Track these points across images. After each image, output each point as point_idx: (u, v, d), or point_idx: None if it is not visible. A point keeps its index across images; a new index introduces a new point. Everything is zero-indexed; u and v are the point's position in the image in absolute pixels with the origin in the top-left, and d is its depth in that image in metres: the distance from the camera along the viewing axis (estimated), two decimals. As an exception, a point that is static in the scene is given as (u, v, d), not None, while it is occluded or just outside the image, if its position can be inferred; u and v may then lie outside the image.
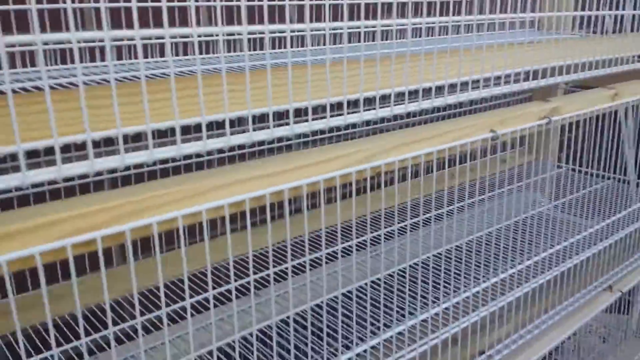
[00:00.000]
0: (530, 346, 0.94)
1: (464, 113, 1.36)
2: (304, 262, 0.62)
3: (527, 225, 1.16)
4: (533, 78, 0.81)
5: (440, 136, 0.70)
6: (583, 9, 1.41)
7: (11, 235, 0.41)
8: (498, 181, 1.27)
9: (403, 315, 0.77)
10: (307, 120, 0.56)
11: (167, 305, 0.54)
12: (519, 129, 0.78)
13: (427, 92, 0.67)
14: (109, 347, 0.50)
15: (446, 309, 0.80)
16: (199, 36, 0.55)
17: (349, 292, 0.73)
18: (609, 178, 1.45)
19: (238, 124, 0.57)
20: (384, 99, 0.63)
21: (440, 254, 0.89)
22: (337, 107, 0.59)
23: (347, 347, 0.72)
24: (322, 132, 1.08)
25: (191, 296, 0.56)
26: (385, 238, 0.69)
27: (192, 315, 0.74)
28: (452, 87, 0.70)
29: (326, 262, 0.93)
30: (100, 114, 0.46)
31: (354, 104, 0.60)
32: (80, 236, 0.43)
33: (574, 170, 1.47)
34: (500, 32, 1.16)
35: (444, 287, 0.88)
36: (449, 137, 0.70)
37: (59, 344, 0.65)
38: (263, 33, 0.58)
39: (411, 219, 1.03)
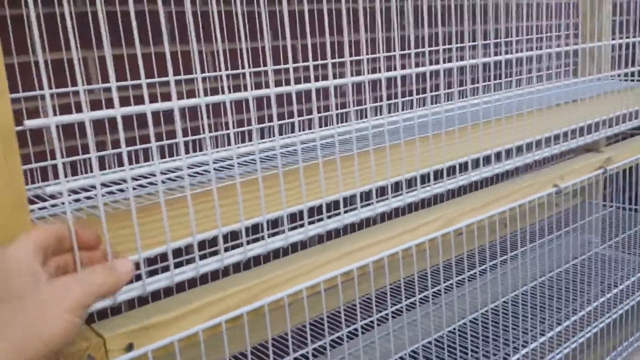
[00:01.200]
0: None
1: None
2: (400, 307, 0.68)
3: (586, 266, 1.20)
4: (589, 130, 0.88)
5: (509, 196, 0.76)
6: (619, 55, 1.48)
7: (180, 318, 0.48)
8: (555, 225, 1.32)
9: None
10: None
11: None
12: (578, 180, 0.85)
13: (492, 157, 0.74)
14: None
15: None
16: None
17: (427, 343, 0.79)
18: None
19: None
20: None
21: (497, 306, 0.94)
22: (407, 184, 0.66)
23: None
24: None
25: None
26: (445, 290, 0.76)
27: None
28: (518, 149, 0.77)
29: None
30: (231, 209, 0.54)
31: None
32: (230, 313, 0.51)
33: (622, 208, 1.51)
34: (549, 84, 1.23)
35: (504, 340, 0.93)
36: (518, 195, 0.77)
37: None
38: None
39: (468, 270, 1.09)
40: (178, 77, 0.84)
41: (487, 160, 0.74)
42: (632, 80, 1.24)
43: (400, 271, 0.66)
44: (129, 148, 0.78)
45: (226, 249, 0.51)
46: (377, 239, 0.62)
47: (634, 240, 1.37)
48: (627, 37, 1.11)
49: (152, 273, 0.50)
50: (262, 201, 0.51)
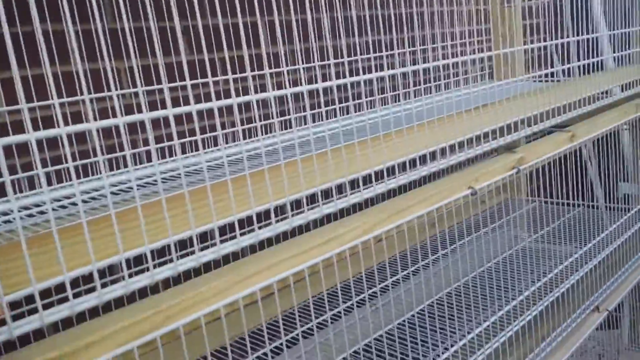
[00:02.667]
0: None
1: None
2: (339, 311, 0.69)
3: (515, 259, 1.25)
4: (502, 133, 0.91)
5: (427, 200, 0.79)
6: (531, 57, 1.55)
7: (86, 347, 0.48)
8: (482, 222, 1.37)
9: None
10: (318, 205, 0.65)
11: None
12: (492, 181, 0.88)
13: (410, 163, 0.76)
14: None
15: (455, 352, 0.87)
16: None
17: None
18: (577, 205, 1.56)
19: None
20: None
21: (441, 298, 0.96)
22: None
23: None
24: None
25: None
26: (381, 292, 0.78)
27: None
28: (442, 151, 0.79)
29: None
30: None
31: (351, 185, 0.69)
32: (142, 338, 0.50)
33: (545, 202, 1.58)
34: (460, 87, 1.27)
35: (442, 331, 0.96)
36: (434, 199, 0.79)
37: None
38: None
39: (403, 270, 1.11)
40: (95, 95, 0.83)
41: (403, 166, 0.76)
42: (546, 81, 1.30)
43: (322, 283, 0.67)
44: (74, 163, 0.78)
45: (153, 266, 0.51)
46: (297, 251, 0.63)
47: (559, 232, 1.44)
48: (539, 40, 1.16)
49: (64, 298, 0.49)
50: (191, 215, 0.51)
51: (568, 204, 1.54)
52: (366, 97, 1.22)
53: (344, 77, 0.67)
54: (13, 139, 0.41)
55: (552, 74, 1.38)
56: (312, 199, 0.66)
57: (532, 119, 1.00)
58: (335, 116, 1.13)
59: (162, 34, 0.90)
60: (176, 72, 0.93)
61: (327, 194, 0.67)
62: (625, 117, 1.24)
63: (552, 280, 1.13)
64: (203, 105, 0.54)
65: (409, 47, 1.32)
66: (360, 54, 1.26)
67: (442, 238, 1.33)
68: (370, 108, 1.15)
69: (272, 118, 1.04)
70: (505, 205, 1.60)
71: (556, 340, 1.08)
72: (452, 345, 0.88)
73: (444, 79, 1.38)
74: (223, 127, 0.99)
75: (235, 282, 0.58)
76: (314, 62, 1.12)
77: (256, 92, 0.59)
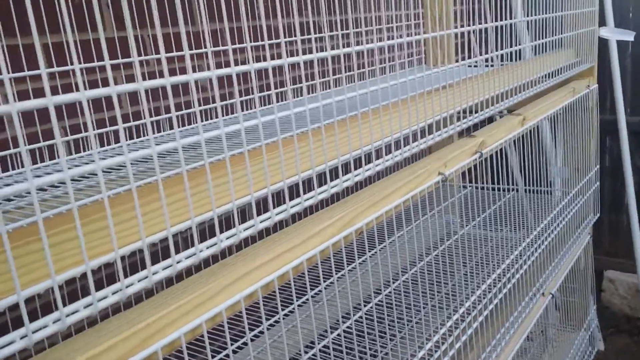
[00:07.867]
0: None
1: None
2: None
3: (455, 248, 1.22)
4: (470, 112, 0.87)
5: (402, 188, 0.73)
6: (462, 44, 1.54)
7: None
8: (412, 209, 1.33)
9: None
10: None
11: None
12: (460, 166, 0.84)
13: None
14: None
15: (430, 349, 0.83)
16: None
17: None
18: (503, 189, 1.56)
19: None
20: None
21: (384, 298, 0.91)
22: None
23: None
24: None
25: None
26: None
27: None
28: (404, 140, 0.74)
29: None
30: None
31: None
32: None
33: (477, 188, 1.58)
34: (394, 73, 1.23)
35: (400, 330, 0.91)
36: (409, 186, 0.74)
37: None
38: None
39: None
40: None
41: (376, 153, 0.70)
42: (487, 66, 1.28)
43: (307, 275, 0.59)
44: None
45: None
46: (281, 250, 0.55)
47: (494, 218, 1.44)
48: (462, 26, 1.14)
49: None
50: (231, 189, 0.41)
51: (503, 189, 1.55)
52: (307, 81, 1.15)
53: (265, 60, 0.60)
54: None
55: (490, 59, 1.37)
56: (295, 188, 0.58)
57: (485, 103, 0.97)
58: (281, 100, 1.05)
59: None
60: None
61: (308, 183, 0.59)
62: (570, 97, 1.26)
63: (506, 269, 1.12)
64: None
65: (341, 30, 1.26)
66: (286, 37, 1.19)
67: (373, 230, 1.28)
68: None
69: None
70: (437, 192, 1.59)
71: (513, 329, 1.07)
72: (423, 344, 0.83)
73: (377, 64, 1.34)
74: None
75: (216, 292, 0.49)
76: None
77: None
